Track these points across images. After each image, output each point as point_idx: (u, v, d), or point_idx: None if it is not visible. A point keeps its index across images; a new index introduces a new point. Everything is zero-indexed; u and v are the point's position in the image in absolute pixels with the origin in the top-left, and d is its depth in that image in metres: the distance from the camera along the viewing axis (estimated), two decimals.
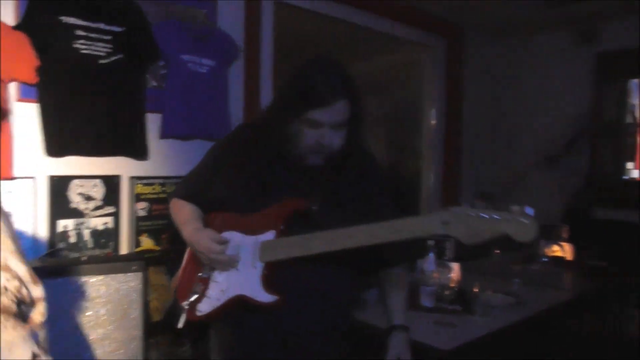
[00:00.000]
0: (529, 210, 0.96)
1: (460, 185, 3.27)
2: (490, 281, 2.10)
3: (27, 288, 0.41)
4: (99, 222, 1.68)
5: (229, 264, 1.23)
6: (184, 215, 1.32)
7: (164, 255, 1.79)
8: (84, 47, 1.62)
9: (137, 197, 1.75)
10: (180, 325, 1.24)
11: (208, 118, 1.92)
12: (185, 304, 1.25)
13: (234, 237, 1.24)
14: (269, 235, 1.21)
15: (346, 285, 1.34)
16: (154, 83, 1.81)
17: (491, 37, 3.38)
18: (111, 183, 1.71)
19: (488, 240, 0.97)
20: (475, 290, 1.86)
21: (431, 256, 1.97)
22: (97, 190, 1.68)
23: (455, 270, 1.98)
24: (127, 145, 1.72)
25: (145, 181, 1.77)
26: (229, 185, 1.28)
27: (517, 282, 2.17)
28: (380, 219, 1.10)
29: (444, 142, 3.19)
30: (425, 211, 3.12)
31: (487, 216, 0.95)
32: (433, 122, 3.19)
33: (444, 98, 3.16)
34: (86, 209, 1.66)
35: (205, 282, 1.25)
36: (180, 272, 1.34)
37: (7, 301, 0.38)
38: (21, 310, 0.40)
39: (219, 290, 1.24)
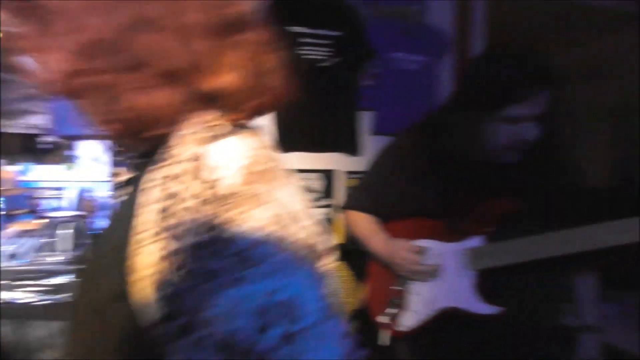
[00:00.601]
0: None
1: None
2: None
3: (325, 237, 0.47)
4: (317, 213, 1.83)
5: (431, 274, 1.18)
6: (366, 227, 1.31)
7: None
8: (308, 52, 1.77)
9: None
10: (382, 342, 1.19)
11: (419, 114, 1.91)
12: (383, 319, 1.21)
13: (431, 245, 1.19)
14: (475, 241, 1.14)
15: (565, 289, 1.21)
16: (368, 81, 1.89)
17: None
18: (328, 177, 1.84)
19: None
20: None
21: None
22: (317, 183, 1.83)
23: None
24: (344, 142, 1.84)
25: (358, 176, 1.85)
26: (411, 192, 1.23)
27: None
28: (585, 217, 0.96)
29: None
30: None
31: None
32: None
33: None
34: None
35: (402, 294, 1.21)
36: (368, 285, 1.32)
37: (315, 244, 0.45)
38: (320, 254, 0.46)
39: (424, 302, 1.18)
